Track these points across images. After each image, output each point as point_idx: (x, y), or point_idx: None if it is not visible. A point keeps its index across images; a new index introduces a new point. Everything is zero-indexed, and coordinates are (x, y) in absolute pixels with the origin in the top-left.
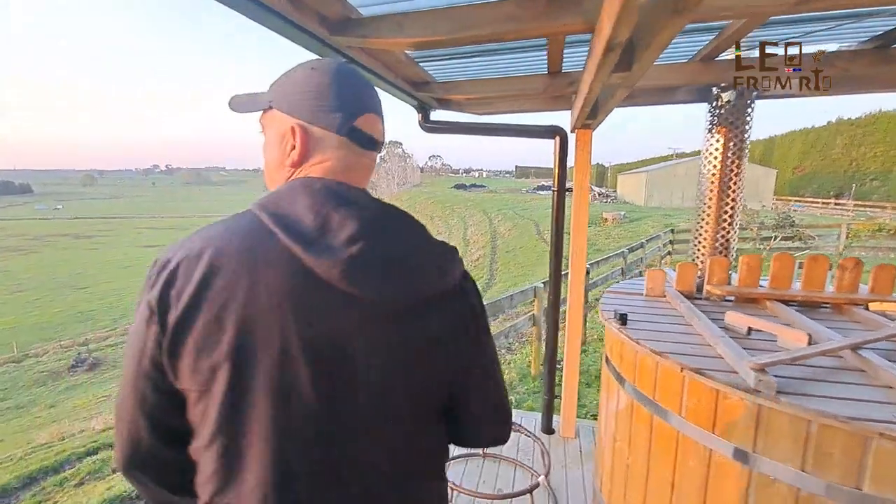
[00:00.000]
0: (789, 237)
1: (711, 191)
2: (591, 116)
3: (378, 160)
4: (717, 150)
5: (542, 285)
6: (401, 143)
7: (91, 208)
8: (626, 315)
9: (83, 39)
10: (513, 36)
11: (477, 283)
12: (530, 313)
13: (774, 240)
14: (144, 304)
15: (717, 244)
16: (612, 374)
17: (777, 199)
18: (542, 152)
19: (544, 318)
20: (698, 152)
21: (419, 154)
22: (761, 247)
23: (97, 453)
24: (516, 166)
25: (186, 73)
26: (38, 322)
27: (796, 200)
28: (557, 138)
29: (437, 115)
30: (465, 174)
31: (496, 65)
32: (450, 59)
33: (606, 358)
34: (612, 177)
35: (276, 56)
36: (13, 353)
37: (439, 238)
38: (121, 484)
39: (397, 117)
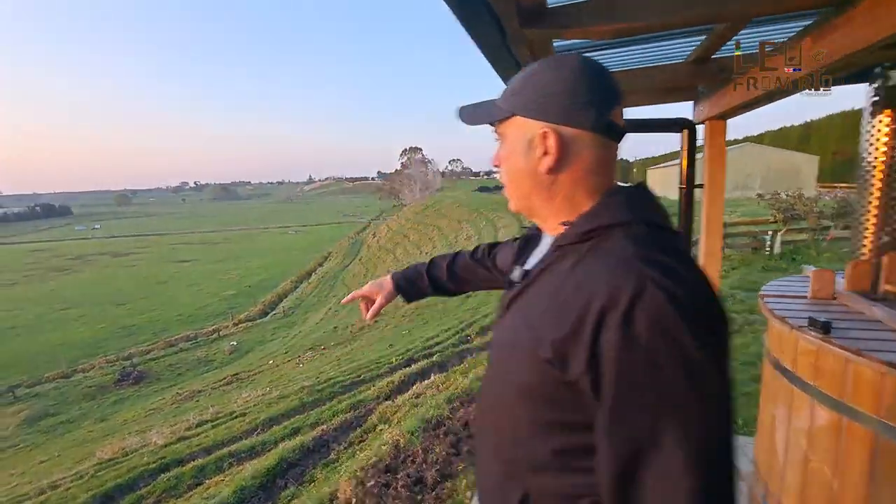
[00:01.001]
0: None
1: (878, 179)
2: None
3: (398, 166)
4: (884, 133)
5: None
6: (420, 149)
7: (126, 227)
8: (829, 323)
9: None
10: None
11: None
12: None
13: (834, 228)
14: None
15: (884, 238)
16: (796, 386)
17: (821, 187)
18: None
19: None
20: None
21: (439, 159)
22: (820, 237)
23: (169, 470)
24: None
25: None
26: (83, 338)
27: (844, 187)
28: (686, 131)
29: None
30: (486, 176)
31: (632, 55)
32: (592, 50)
33: (780, 367)
34: (638, 172)
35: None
36: (62, 368)
37: (468, 241)
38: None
39: (417, 121)
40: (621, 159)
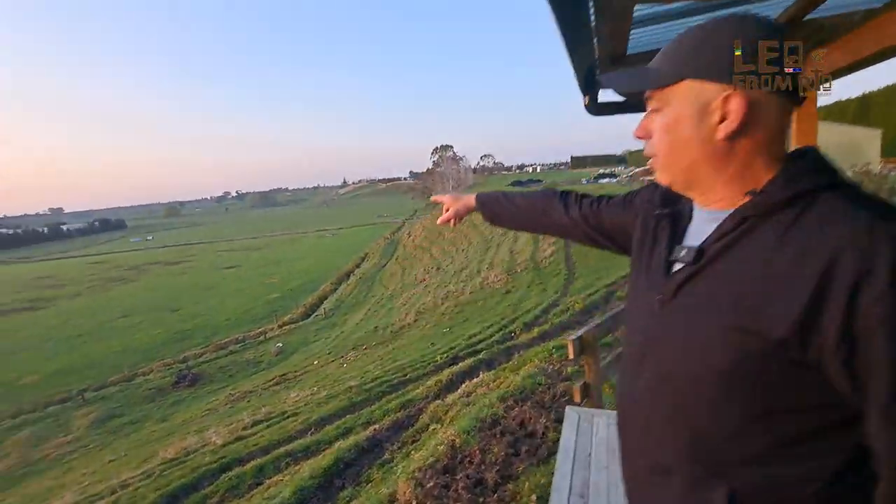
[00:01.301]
0: None
1: None
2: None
3: (430, 165)
4: None
5: None
6: (451, 147)
7: (176, 237)
8: None
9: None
10: None
11: (556, 279)
12: None
13: None
14: None
15: None
16: None
17: (887, 162)
18: (596, 141)
19: None
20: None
21: (470, 155)
22: None
23: (230, 469)
24: (572, 157)
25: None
26: (142, 344)
27: None
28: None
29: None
30: (518, 170)
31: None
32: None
33: None
34: None
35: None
36: (125, 373)
37: (504, 237)
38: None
39: (448, 120)
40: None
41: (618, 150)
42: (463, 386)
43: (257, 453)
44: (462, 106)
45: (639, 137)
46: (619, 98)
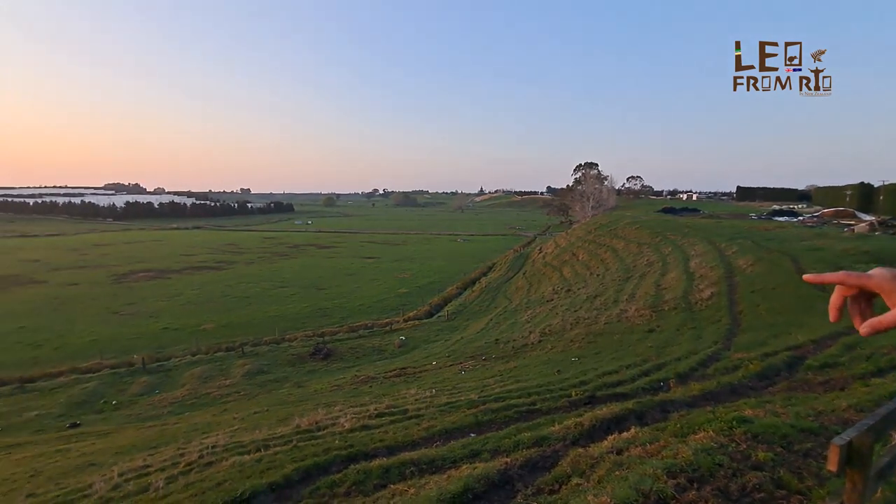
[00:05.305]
0: None
1: None
2: None
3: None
4: None
5: None
6: (596, 164)
7: (330, 224)
8: None
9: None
10: None
11: (714, 327)
12: None
13: None
14: None
15: None
16: None
17: None
18: (769, 171)
19: None
20: None
21: (616, 175)
22: None
23: (357, 461)
24: (738, 187)
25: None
26: (292, 312)
27: None
28: None
29: None
30: (669, 196)
31: None
32: None
33: None
34: (887, 198)
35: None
36: (275, 335)
37: (650, 268)
38: None
39: (593, 136)
40: (861, 182)
41: (798, 185)
42: (611, 438)
43: (382, 451)
44: (609, 122)
45: None
46: None
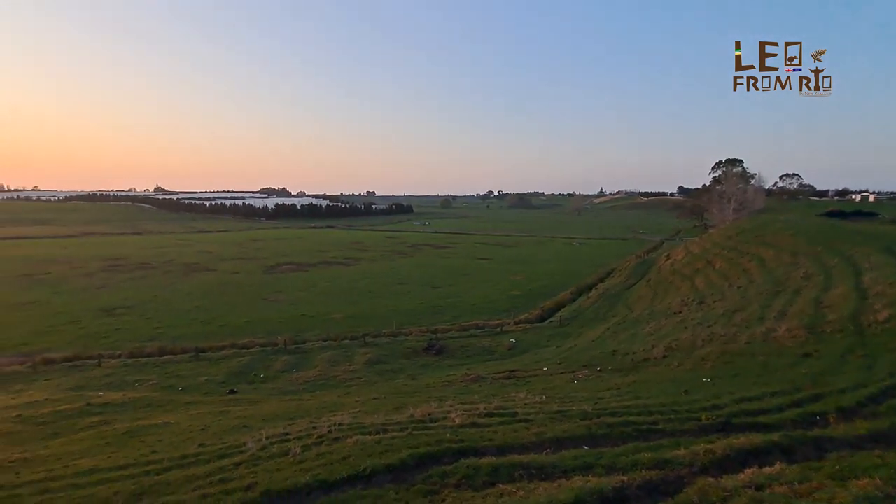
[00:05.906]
0: None
1: None
2: None
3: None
4: None
5: None
6: (741, 161)
7: (446, 225)
8: None
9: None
10: None
11: (890, 357)
12: None
13: None
14: None
15: None
16: None
17: None
18: None
19: None
20: None
21: (766, 173)
22: None
23: (466, 456)
24: None
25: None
26: (408, 308)
27: None
28: None
29: None
30: (837, 197)
31: None
32: None
33: None
34: None
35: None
36: (392, 329)
37: (807, 282)
38: None
39: (736, 128)
40: None
41: None
42: (748, 471)
43: (492, 450)
44: (758, 111)
45: None
46: None
